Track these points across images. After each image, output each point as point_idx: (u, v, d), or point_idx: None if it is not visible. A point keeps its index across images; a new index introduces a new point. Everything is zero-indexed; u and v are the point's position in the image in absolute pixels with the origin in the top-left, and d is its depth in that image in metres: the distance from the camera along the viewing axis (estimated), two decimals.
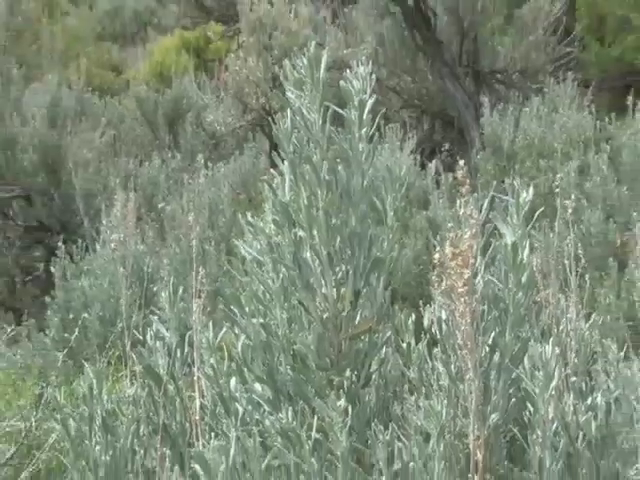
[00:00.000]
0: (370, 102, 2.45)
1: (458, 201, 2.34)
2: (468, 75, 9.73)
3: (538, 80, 9.50)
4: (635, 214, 5.75)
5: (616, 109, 8.30)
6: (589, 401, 2.38)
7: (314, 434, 2.25)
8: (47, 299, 6.09)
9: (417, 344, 2.46)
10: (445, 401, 2.30)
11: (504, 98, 9.19)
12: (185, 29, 15.45)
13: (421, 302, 2.64)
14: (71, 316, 5.62)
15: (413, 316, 2.55)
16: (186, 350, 2.57)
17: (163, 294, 2.63)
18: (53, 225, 8.80)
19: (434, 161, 7.81)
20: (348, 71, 2.46)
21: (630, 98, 7.50)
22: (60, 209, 8.81)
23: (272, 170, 2.50)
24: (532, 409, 2.28)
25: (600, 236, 6.17)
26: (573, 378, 2.44)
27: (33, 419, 3.62)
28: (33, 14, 11.95)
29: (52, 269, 6.26)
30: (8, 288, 8.91)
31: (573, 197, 3.16)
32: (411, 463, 2.23)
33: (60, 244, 6.39)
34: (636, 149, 6.99)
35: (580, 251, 2.80)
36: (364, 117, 2.44)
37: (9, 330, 5.83)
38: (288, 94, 2.45)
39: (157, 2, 19.79)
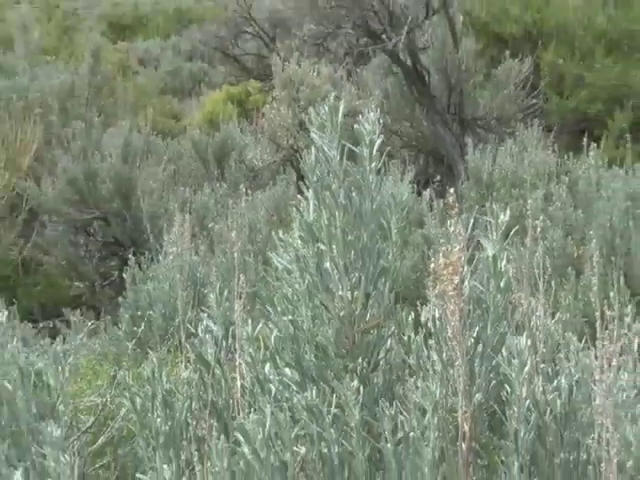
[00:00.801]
0: (378, 142, 2.43)
1: (448, 221, 2.33)
2: (455, 121, 9.71)
3: (511, 125, 9.48)
4: (592, 232, 5.73)
5: (573, 149, 8.28)
6: (555, 383, 2.36)
7: (333, 409, 2.23)
8: (120, 299, 6.07)
9: (415, 337, 2.44)
10: (438, 383, 2.28)
11: (484, 139, 9.17)
12: (230, 85, 15.49)
13: (418, 303, 2.62)
14: (139, 313, 5.60)
15: (412, 314, 2.53)
16: (230, 341, 2.55)
17: (211, 296, 2.61)
18: (125, 241, 8.81)
19: (428, 190, 7.78)
20: (360, 117, 2.45)
21: (584, 140, 7.48)
22: (131, 228, 8.83)
23: (299, 196, 2.49)
24: (509, 390, 2.26)
25: (561, 250, 6.15)
26: (542, 365, 2.41)
27: (108, 396, 3.60)
28: (110, 74, 12.02)
29: (124, 275, 6.25)
30: (90, 290, 8.92)
31: (540, 219, 3.15)
32: (411, 433, 2.21)
33: (131, 256, 6.39)
34: (589, 180, 6.98)
35: (546, 262, 2.77)
36: (373, 154, 2.43)
37: (90, 324, 5.84)
38: (312, 135, 2.43)
39: (208, 64, 19.89)
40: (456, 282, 2.26)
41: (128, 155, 9.20)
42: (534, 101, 9.93)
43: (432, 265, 2.32)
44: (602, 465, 2.20)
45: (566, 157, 8.06)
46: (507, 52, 10.12)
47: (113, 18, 30.86)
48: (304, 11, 10.03)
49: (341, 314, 2.44)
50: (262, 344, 2.47)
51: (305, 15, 10.03)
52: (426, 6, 9.35)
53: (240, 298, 2.49)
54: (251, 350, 2.44)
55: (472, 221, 2.41)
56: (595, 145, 7.42)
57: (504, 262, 2.39)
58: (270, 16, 14.70)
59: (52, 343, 4.47)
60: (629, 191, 6.40)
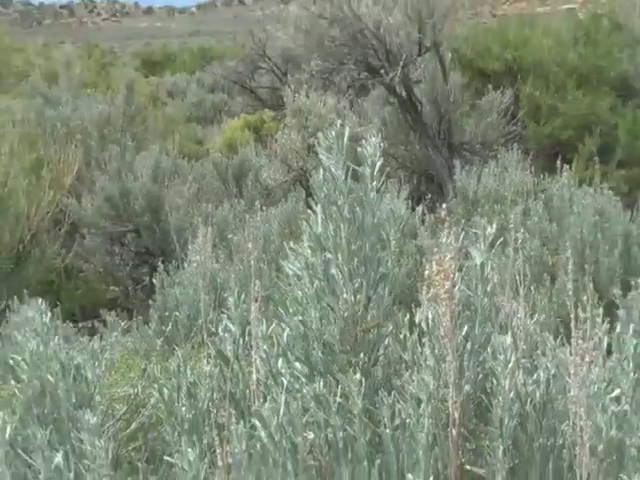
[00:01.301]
0: (378, 163, 2.43)
1: (441, 233, 2.32)
2: (444, 146, 9.70)
3: (493, 149, 9.47)
4: (567, 243, 5.72)
5: (548, 170, 8.27)
6: (534, 377, 2.34)
7: (338, 399, 2.22)
8: (150, 302, 6.06)
9: (411, 335, 2.43)
10: (431, 376, 2.27)
11: (469, 161, 9.16)
12: (247, 114, 15.51)
13: (413, 305, 2.61)
14: (166, 314, 5.59)
15: (408, 315, 2.52)
16: (246, 339, 2.54)
17: (230, 299, 2.60)
18: (155, 250, 8.82)
19: (420, 206, 7.75)
20: (363, 141, 2.44)
21: (558, 162, 7.47)
22: (160, 239, 8.83)
23: (308, 211, 2.48)
24: (494, 382, 2.25)
25: (538, 259, 6.14)
26: (523, 360, 2.40)
27: (139, 387, 3.59)
28: (142, 104, 12.04)
29: (154, 281, 6.24)
30: (124, 294, 8.93)
31: (520, 232, 3.13)
32: (407, 420, 2.21)
33: (160, 263, 6.38)
34: (562, 197, 6.97)
35: (526, 269, 2.76)
36: (374, 174, 2.43)
37: (124, 324, 5.83)
38: (321, 157, 2.42)
39: (228, 95, 19.94)
40: (447, 287, 2.25)
41: (157, 175, 9.22)
42: (514, 128, 9.93)
43: (426, 272, 2.31)
44: (576, 449, 2.19)
45: (542, 177, 8.06)
46: (490, 85, 10.14)
47: (145, 55, 31.05)
48: (312, 49, 10.03)
49: (345, 315, 2.44)
50: (275, 341, 2.46)
51: (313, 53, 10.02)
52: (419, 45, 9.36)
53: (256, 301, 2.48)
54: (265, 347, 2.43)
55: (462, 233, 2.40)
56: (567, 167, 7.41)
57: (489, 269, 2.38)
58: (282, 53, 14.72)
59: (90, 340, 4.46)
60: (597, 207, 6.39)
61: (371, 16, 9.34)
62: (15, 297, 5.61)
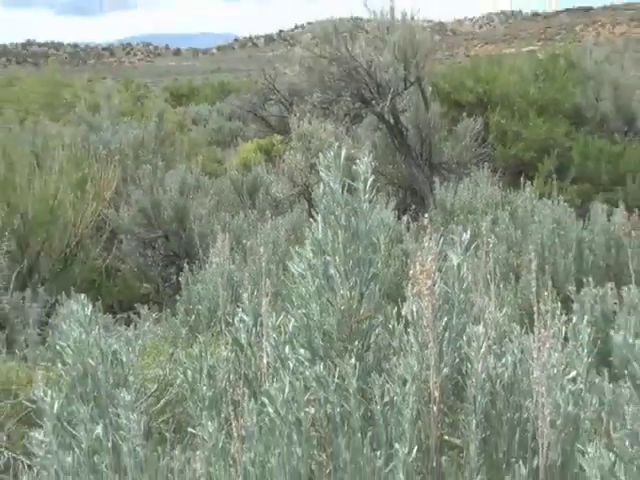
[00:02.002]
0: (370, 179, 2.41)
1: (423, 238, 2.30)
2: (426, 165, 9.69)
3: (467, 168, 9.47)
4: (530, 247, 5.70)
5: (513, 185, 8.29)
6: (503, 361, 2.32)
7: (336, 379, 2.20)
8: (177, 297, 6.05)
9: (398, 325, 2.41)
10: (415, 360, 2.25)
11: (447, 178, 9.15)
12: (259, 138, 15.50)
13: (400, 300, 2.59)
14: (190, 307, 5.58)
15: (395, 308, 2.49)
16: (258, 328, 2.52)
17: (244, 294, 2.58)
18: (181, 253, 8.79)
19: (406, 215, 7.73)
20: (357, 161, 2.42)
21: (522, 179, 7.47)
22: (185, 243, 8.80)
23: (310, 219, 2.46)
24: (469, 365, 2.23)
25: (505, 260, 6.11)
26: (493, 346, 2.38)
27: (167, 369, 3.57)
28: (171, 130, 12.05)
29: (180, 279, 6.23)
30: (155, 290, 8.89)
31: (490, 238, 3.12)
32: (395, 397, 2.19)
33: (185, 264, 6.37)
34: (525, 209, 6.95)
35: (495, 270, 2.75)
36: (366, 188, 2.41)
37: (154, 315, 5.81)
38: (321, 174, 2.41)
39: (243, 123, 19.94)
40: (429, 284, 2.23)
41: (183, 190, 9.20)
42: (484, 150, 9.92)
43: (411, 271, 2.29)
44: (538, 422, 2.18)
45: (508, 191, 8.06)
46: (464, 114, 10.13)
47: (173, 89, 31.05)
48: (314, 84, 10.05)
49: (342, 308, 2.42)
50: (282, 331, 2.44)
51: (315, 87, 10.05)
52: (404, 80, 9.36)
53: (266, 296, 2.46)
54: (274, 335, 2.41)
55: (441, 239, 2.38)
56: (529, 183, 7.41)
57: (464, 269, 2.36)
58: (289, 87, 14.71)
59: (126, 330, 4.44)
60: (555, 217, 6.37)
61: (364, 56, 9.38)
62: (63, 293, 5.61)
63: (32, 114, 15.65)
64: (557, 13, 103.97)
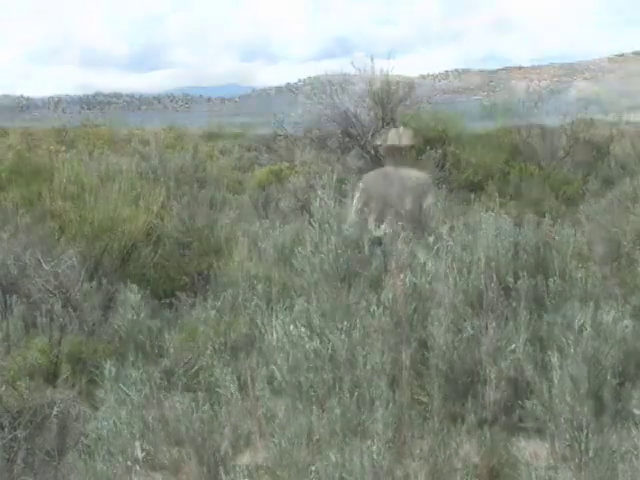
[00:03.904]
0: (357, 196, 2.38)
1: (398, 241, 2.28)
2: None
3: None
4: (479, 249, 5.65)
5: (465, 201, 8.27)
6: (459, 337, 2.30)
7: (329, 351, 2.17)
8: (208, 287, 5.97)
9: (378, 309, 2.38)
10: (391, 336, 2.22)
11: None
12: (271, 165, 15.47)
13: (379, 289, 2.55)
14: (218, 295, 5.51)
15: (376, 295, 2.46)
16: (269, 311, 2.48)
17: (259, 285, 2.55)
18: (211, 253, 8.70)
19: (384, 224, 7.69)
20: (345, 182, 2.39)
21: (472, 196, 7.45)
22: (214, 246, 8.70)
23: (310, 227, 2.43)
24: (433, 340, 2.21)
25: (460, 258, 6.05)
26: (451, 325, 2.35)
27: (200, 342, 3.51)
28: (203, 159, 12.01)
29: (210, 273, 6.17)
30: (191, 281, 8.81)
31: (449, 241, 3.10)
32: (375, 365, 2.16)
33: (214, 262, 6.30)
34: (475, 219, 6.87)
35: (453, 265, 2.72)
36: (354, 202, 2.38)
37: (190, 301, 5.74)
38: (318, 192, 2.38)
39: (258, 153, 19.84)
40: (402, 276, 2.22)
41: (213, 204, 9.15)
42: (443, 174, 9.90)
43: (388, 267, 2.27)
44: (486, 384, 2.14)
45: (462, 205, 8.03)
46: (428, 147, 10.12)
47: (206, 129, 30.95)
48: (313, 123, 10.08)
49: (335, 296, 2.39)
50: (288, 313, 2.41)
51: (313, 126, 10.07)
52: (382, 120, 9.36)
53: (275, 286, 2.43)
54: (282, 317, 2.38)
55: (411, 243, 2.36)
56: (478, 199, 7.38)
57: (430, 265, 2.34)
58: (294, 126, 14.69)
59: (169, 312, 4.38)
60: (497, 225, 6.32)
61: (351, 102, 9.41)
62: (121, 284, 5.55)
63: (98, 147, 15.62)
64: (497, 70, 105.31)
